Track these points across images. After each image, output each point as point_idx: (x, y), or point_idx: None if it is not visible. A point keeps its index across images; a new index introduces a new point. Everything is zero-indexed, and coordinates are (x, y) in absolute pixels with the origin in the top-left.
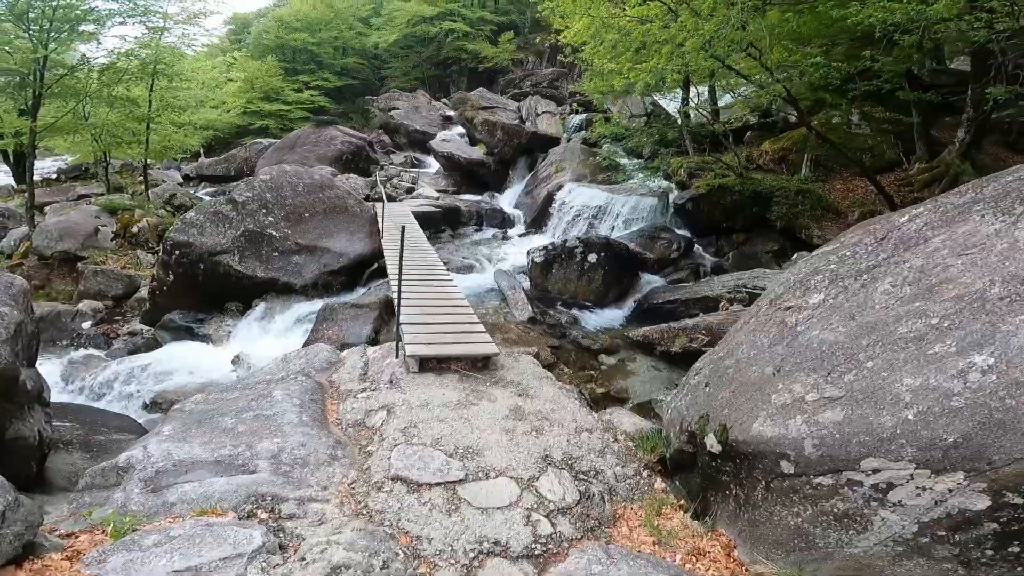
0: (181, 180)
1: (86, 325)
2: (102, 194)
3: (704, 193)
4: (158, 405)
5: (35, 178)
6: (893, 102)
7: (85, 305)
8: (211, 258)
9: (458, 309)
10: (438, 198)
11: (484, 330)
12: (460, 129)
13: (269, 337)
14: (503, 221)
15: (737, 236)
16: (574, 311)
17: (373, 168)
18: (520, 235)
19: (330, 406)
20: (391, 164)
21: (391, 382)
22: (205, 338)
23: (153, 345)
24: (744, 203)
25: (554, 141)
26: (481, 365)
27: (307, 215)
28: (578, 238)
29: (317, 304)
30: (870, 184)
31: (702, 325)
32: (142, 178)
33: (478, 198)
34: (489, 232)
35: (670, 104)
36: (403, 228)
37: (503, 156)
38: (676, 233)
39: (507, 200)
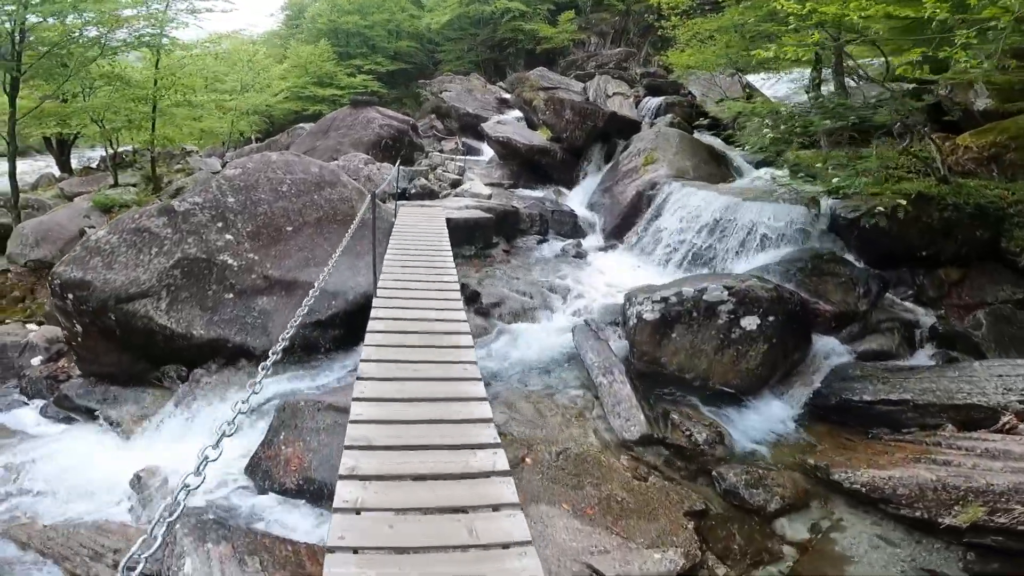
0: (219, 169)
1: (35, 361)
2: (134, 184)
3: (893, 205)
4: None
5: (75, 166)
6: None
7: (39, 335)
8: (120, 306)
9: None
10: (489, 195)
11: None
12: (517, 113)
13: (197, 437)
14: (574, 228)
15: (946, 272)
16: (711, 407)
17: (417, 155)
18: (599, 249)
19: None
20: (438, 151)
21: None
22: (114, 424)
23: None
24: (959, 222)
25: (635, 125)
26: None
27: (289, 229)
28: (726, 287)
29: (286, 380)
30: None
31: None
32: (180, 166)
33: (540, 194)
34: (556, 244)
35: (764, 86)
36: None
37: (573, 142)
38: (856, 267)
39: (578, 198)
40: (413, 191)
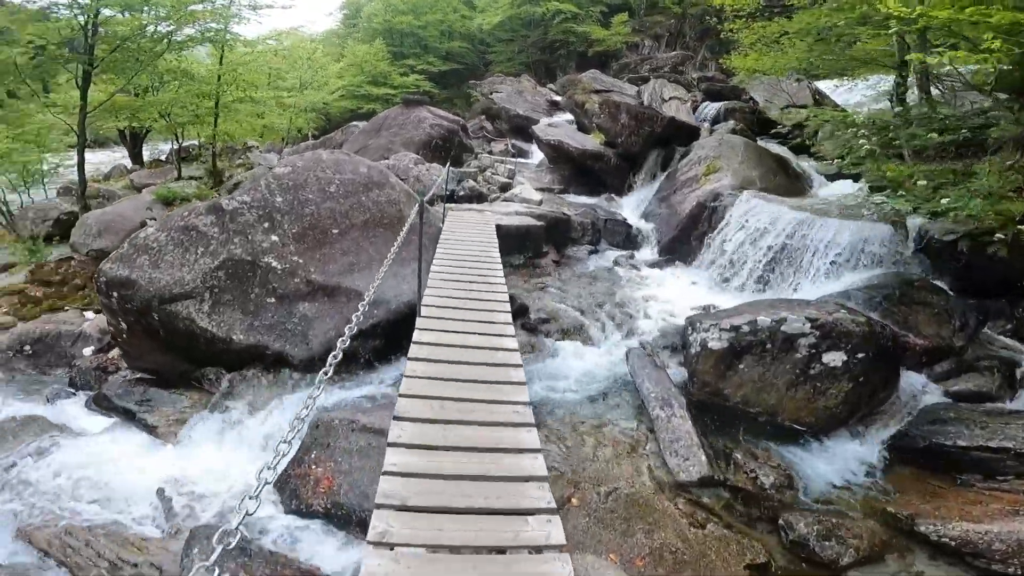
0: (275, 165)
1: (87, 352)
2: (199, 177)
3: (995, 227)
4: None
5: (146, 158)
6: None
7: (92, 324)
8: (163, 306)
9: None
10: (540, 201)
11: None
12: (568, 116)
13: (231, 447)
14: (627, 239)
15: None
16: (778, 446)
17: (467, 157)
18: (654, 263)
19: None
20: (487, 152)
21: None
22: (149, 428)
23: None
24: None
25: (694, 132)
26: None
27: (335, 231)
28: (809, 319)
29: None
30: None
31: None
32: (241, 161)
33: (592, 200)
34: (609, 255)
35: (835, 92)
36: None
37: (628, 148)
38: (950, 296)
39: (632, 207)
40: (462, 193)
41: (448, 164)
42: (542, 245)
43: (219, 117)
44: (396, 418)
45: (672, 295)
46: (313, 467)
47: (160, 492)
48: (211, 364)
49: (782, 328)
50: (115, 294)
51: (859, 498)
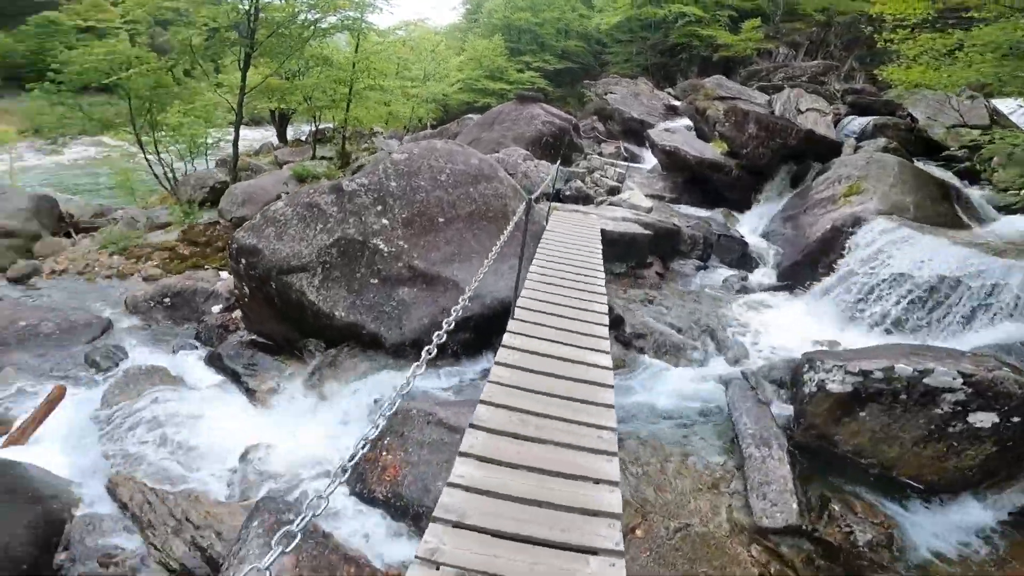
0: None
1: (216, 309)
2: (330, 158)
3: None
4: None
5: (290, 137)
6: None
7: (224, 284)
8: (281, 276)
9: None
10: (649, 209)
11: None
12: (686, 121)
13: (314, 420)
14: (742, 258)
15: None
16: (884, 500)
17: (576, 157)
18: (770, 287)
19: None
20: (597, 154)
21: None
22: (249, 392)
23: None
24: None
25: (835, 148)
26: None
27: (441, 220)
28: (961, 373)
29: (404, 377)
30: None
31: None
32: (367, 145)
33: (706, 214)
34: (719, 274)
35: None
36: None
37: (754, 160)
38: None
39: (750, 224)
40: (568, 193)
41: (558, 163)
42: (647, 255)
43: (351, 103)
44: (472, 426)
45: (786, 325)
46: (384, 453)
47: (243, 456)
48: (314, 336)
49: (925, 380)
50: (243, 260)
51: (969, 567)
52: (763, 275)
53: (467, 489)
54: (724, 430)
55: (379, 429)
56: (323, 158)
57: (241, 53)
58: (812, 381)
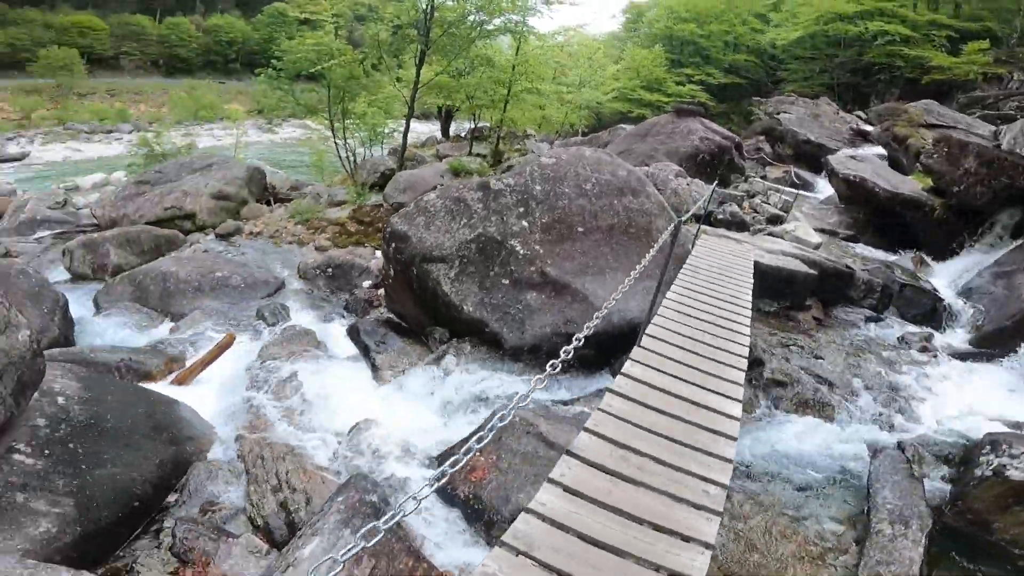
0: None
1: (365, 284)
2: (484, 156)
3: None
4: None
5: (451, 134)
6: None
7: (376, 263)
8: (423, 264)
9: None
10: (817, 245)
11: None
12: (878, 149)
13: (424, 408)
14: (929, 315)
15: None
16: None
17: (735, 178)
18: (960, 354)
19: None
20: (760, 177)
21: None
22: (375, 369)
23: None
24: None
25: None
26: None
27: (580, 230)
28: None
29: (513, 377)
30: None
31: None
32: (519, 146)
33: (888, 257)
34: (894, 329)
35: None
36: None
37: (967, 200)
38: None
39: (948, 275)
40: (721, 216)
41: (714, 184)
42: (806, 296)
43: (508, 104)
44: (569, 452)
45: (973, 398)
46: (476, 454)
47: (351, 429)
48: (442, 326)
49: None
50: (393, 244)
51: None
52: (954, 337)
53: (544, 519)
54: (852, 500)
55: (487, 440)
56: (478, 155)
57: (417, 50)
58: (988, 464)
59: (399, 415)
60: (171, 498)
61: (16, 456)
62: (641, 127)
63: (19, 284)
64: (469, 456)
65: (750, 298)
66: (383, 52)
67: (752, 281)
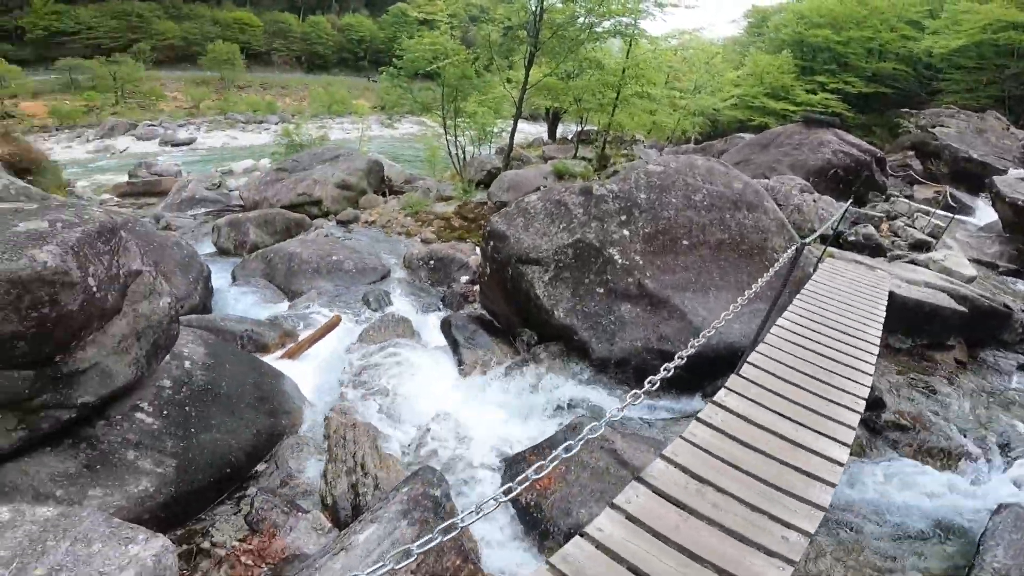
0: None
1: (463, 279)
2: (589, 159)
3: None
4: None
5: (557, 136)
6: None
7: (475, 259)
8: (518, 265)
9: None
10: (971, 278)
11: None
12: None
13: (502, 409)
14: None
15: None
16: None
17: (874, 197)
18: None
19: None
20: (905, 197)
21: None
22: (460, 364)
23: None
24: None
25: None
26: None
27: (685, 243)
28: None
29: (597, 389)
30: None
31: None
32: (626, 151)
33: None
34: None
35: None
36: None
37: None
38: None
39: None
40: (852, 238)
41: (848, 202)
42: (949, 335)
43: (617, 107)
44: (639, 479)
45: None
46: (547, 464)
47: (431, 419)
48: (531, 328)
49: None
50: (492, 243)
51: None
52: None
53: (599, 546)
54: (956, 556)
55: (569, 454)
56: (583, 158)
57: (527, 51)
58: None
59: (477, 412)
60: (260, 467)
61: (138, 415)
62: (763, 136)
63: (173, 254)
64: (546, 471)
65: (879, 332)
66: (494, 53)
67: (883, 313)
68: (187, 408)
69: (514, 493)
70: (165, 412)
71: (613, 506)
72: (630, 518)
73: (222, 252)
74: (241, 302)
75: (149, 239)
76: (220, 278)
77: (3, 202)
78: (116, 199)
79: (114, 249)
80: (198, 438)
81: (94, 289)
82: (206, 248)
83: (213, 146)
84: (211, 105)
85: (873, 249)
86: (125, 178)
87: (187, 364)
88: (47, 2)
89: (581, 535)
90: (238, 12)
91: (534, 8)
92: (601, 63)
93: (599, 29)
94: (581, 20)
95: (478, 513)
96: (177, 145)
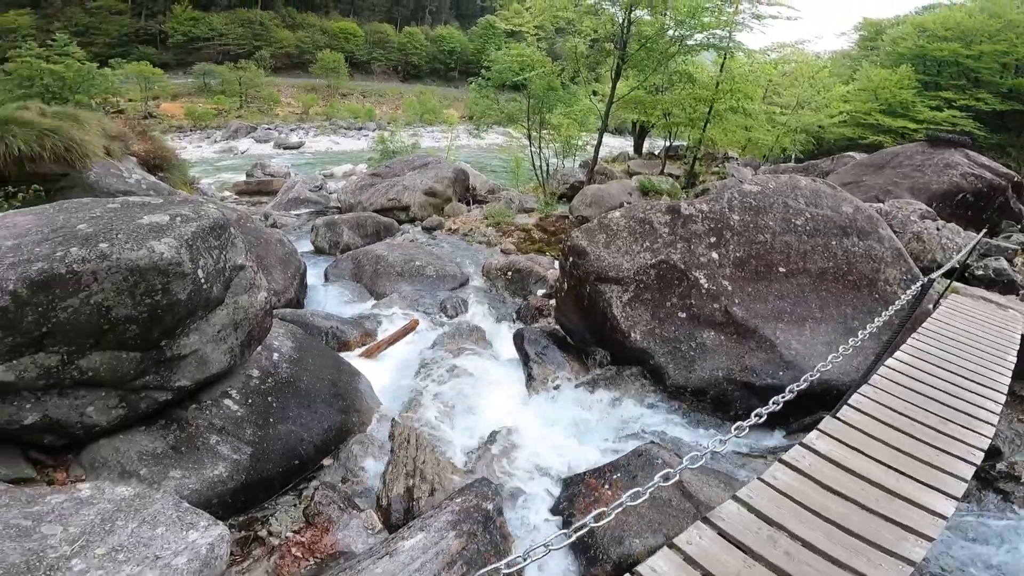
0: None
1: (539, 293)
2: (677, 176)
3: None
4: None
5: (643, 151)
6: None
7: (552, 273)
8: (596, 283)
9: None
10: None
11: None
12: None
13: (568, 429)
14: None
15: None
16: None
17: (1008, 226)
18: None
19: None
20: None
21: None
22: (529, 378)
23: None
24: None
25: None
26: None
27: (781, 270)
28: None
29: (661, 414)
30: None
31: None
32: (717, 169)
33: None
34: None
35: None
36: None
37: None
38: None
39: None
40: (979, 273)
41: (983, 232)
42: None
43: (708, 122)
44: (706, 520)
45: None
46: (604, 487)
47: (492, 433)
48: (604, 348)
49: None
50: (571, 258)
51: None
52: None
53: None
54: None
55: (636, 503)
56: (670, 175)
57: (614, 63)
58: None
59: (541, 428)
60: (325, 462)
61: (226, 401)
62: (877, 156)
63: (275, 250)
64: (616, 510)
65: (1007, 379)
66: (580, 65)
67: (1014, 356)
68: (269, 399)
69: (573, 537)
70: (250, 401)
71: (672, 546)
72: (689, 561)
73: (318, 251)
74: (330, 299)
75: (256, 235)
76: (314, 275)
77: (135, 195)
78: (235, 196)
79: (223, 244)
80: (275, 428)
81: (202, 280)
82: (305, 246)
83: (318, 150)
84: (318, 111)
85: (1005, 285)
86: (243, 177)
87: (275, 356)
88: (185, 8)
89: (631, 575)
90: (344, 22)
91: (621, 20)
92: (693, 76)
93: (690, 42)
94: (671, 33)
95: (546, 549)
96: (288, 148)
